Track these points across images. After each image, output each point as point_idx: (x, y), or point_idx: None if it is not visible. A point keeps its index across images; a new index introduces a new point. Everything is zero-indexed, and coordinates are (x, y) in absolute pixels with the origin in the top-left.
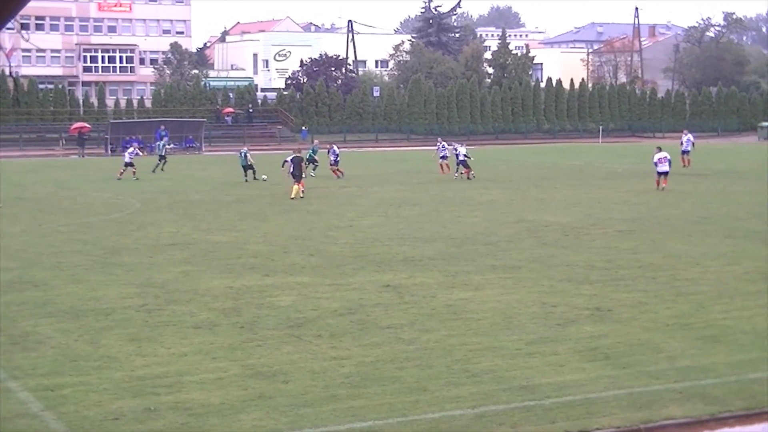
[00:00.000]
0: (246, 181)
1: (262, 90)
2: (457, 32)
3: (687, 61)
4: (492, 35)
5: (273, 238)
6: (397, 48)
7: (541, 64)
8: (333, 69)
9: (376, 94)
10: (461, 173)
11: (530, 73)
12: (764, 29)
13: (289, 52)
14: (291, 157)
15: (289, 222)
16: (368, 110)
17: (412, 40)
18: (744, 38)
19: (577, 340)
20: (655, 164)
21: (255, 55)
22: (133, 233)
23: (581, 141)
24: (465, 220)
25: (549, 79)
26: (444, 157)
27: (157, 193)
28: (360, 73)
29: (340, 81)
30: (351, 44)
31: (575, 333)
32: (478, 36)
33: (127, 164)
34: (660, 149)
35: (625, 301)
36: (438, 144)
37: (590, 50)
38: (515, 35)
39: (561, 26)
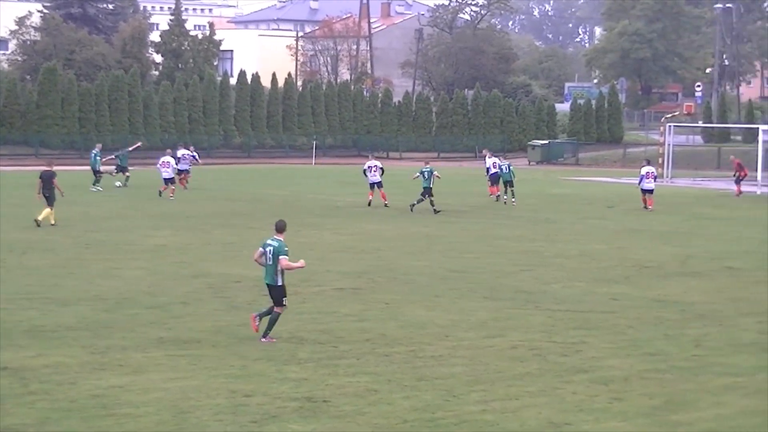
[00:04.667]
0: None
1: None
2: (111, 2)
3: (433, 53)
4: (161, 8)
5: None
6: (21, 22)
7: (232, 51)
8: None
9: None
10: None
11: (216, 64)
12: (536, 12)
13: None
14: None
15: None
16: None
17: (45, 11)
18: (510, 24)
19: None
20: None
21: None
22: None
23: (287, 161)
24: (122, 273)
25: (242, 73)
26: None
27: None
28: None
29: None
30: None
31: None
32: (142, 9)
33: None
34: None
35: (348, 389)
36: None
37: (300, 33)
38: (194, 9)
39: None
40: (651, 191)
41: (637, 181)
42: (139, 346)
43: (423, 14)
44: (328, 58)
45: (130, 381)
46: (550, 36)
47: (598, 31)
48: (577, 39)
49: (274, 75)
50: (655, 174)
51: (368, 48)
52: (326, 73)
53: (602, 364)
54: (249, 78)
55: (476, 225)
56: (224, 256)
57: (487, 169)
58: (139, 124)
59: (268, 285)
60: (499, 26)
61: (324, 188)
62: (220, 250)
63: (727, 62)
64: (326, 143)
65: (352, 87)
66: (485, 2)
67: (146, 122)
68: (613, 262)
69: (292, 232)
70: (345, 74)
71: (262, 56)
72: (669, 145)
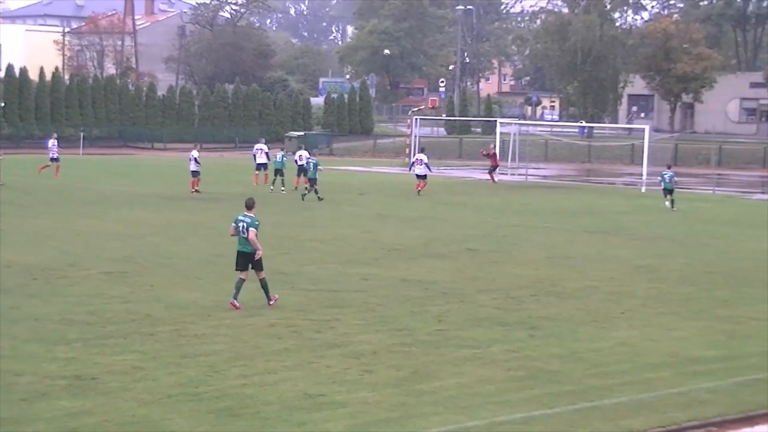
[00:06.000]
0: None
1: None
2: None
3: (195, 48)
4: None
5: None
6: None
7: (0, 45)
8: None
9: None
10: None
11: None
12: (293, 11)
13: None
14: None
15: None
16: None
17: None
18: (268, 22)
19: (51, 419)
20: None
21: None
22: None
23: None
24: None
25: (10, 67)
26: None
27: None
28: None
29: None
30: None
31: (47, 410)
32: None
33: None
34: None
35: (115, 366)
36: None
37: (67, 29)
38: None
39: None
40: (422, 176)
41: (408, 168)
42: None
43: (185, 12)
44: (95, 53)
45: None
46: (305, 34)
47: (350, 29)
48: (331, 37)
49: (41, 69)
50: (425, 161)
51: (133, 44)
52: (93, 68)
53: (354, 339)
54: (17, 72)
55: (230, 209)
56: None
57: (295, 161)
58: None
59: (243, 253)
60: (257, 24)
61: (91, 178)
62: None
63: (468, 60)
64: (93, 135)
65: (118, 81)
66: (244, 1)
67: None
68: (364, 245)
69: (63, 219)
70: (111, 69)
71: (29, 51)
72: (415, 136)
